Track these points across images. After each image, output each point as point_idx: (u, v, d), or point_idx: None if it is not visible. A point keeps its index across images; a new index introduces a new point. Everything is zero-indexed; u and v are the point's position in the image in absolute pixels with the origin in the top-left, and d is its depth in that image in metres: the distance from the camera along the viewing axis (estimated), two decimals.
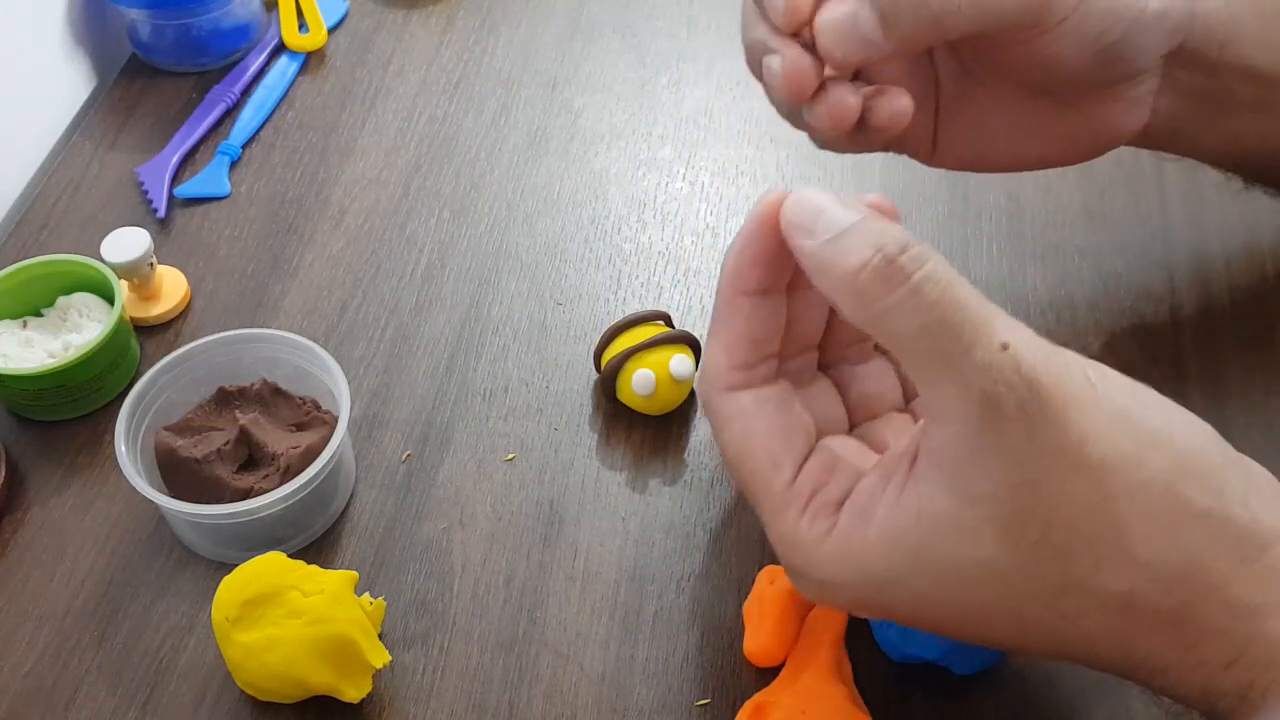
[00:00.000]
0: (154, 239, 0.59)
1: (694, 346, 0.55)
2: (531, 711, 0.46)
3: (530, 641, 0.48)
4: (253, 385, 0.53)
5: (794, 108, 0.44)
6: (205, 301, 0.61)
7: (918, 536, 0.35)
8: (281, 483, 0.49)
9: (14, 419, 0.56)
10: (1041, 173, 0.64)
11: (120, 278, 0.57)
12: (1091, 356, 0.36)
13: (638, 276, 0.61)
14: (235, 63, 0.73)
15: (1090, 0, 0.43)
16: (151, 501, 0.48)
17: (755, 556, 0.50)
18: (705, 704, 0.46)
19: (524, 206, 0.65)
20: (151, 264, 0.58)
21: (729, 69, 0.72)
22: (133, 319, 0.59)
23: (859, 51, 0.41)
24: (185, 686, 0.47)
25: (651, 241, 0.63)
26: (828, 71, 0.42)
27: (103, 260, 0.57)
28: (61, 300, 0.58)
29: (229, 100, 0.70)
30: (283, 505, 0.48)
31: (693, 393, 0.56)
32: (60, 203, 0.65)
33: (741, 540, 0.51)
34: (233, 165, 0.67)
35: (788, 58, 0.42)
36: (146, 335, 0.59)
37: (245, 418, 0.51)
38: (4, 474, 0.52)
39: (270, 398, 0.53)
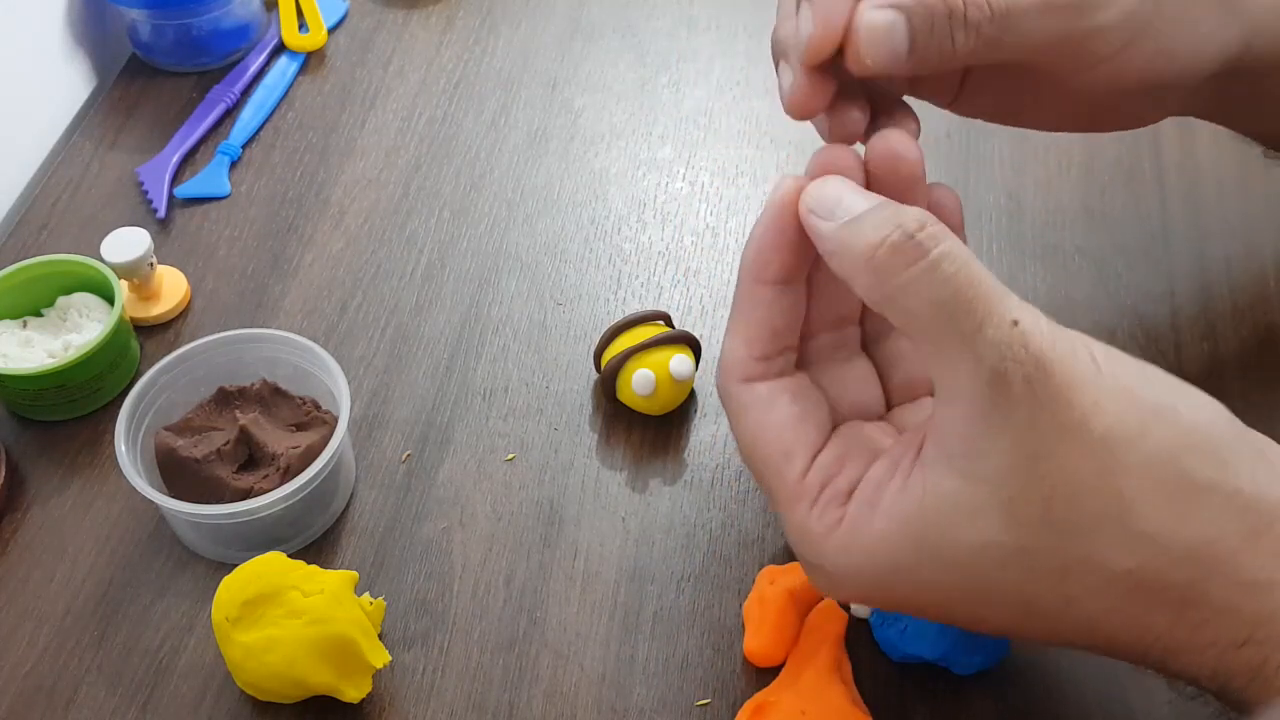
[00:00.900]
0: (154, 239, 0.59)
1: (694, 346, 0.55)
2: (531, 711, 0.46)
3: (530, 641, 0.48)
4: (253, 385, 0.53)
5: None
6: (205, 301, 0.61)
7: (923, 522, 0.35)
8: (281, 483, 0.49)
9: (14, 419, 0.56)
10: (1042, 172, 0.65)
11: (120, 278, 0.57)
12: None
13: (638, 276, 0.61)
14: (235, 63, 0.73)
15: (1137, 46, 0.42)
16: (151, 501, 0.48)
17: (755, 556, 0.50)
18: (705, 704, 0.46)
19: (524, 206, 0.65)
20: (151, 264, 0.58)
21: (729, 69, 0.72)
22: (133, 319, 0.59)
23: (887, 62, 0.39)
24: (185, 686, 0.47)
25: (651, 241, 0.63)
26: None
27: (103, 260, 0.57)
28: (61, 300, 0.58)
29: (229, 100, 0.70)
30: (283, 505, 0.48)
31: (693, 393, 0.56)
32: (60, 203, 0.65)
33: (741, 540, 0.51)
34: (233, 165, 0.67)
35: (799, 84, 0.40)
36: (146, 335, 0.59)
37: (245, 418, 0.51)
38: (4, 474, 0.52)
39: (270, 398, 0.53)
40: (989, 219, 0.63)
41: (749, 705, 0.45)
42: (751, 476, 0.50)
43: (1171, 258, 0.61)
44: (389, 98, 0.71)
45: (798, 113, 0.41)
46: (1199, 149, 0.65)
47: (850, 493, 0.37)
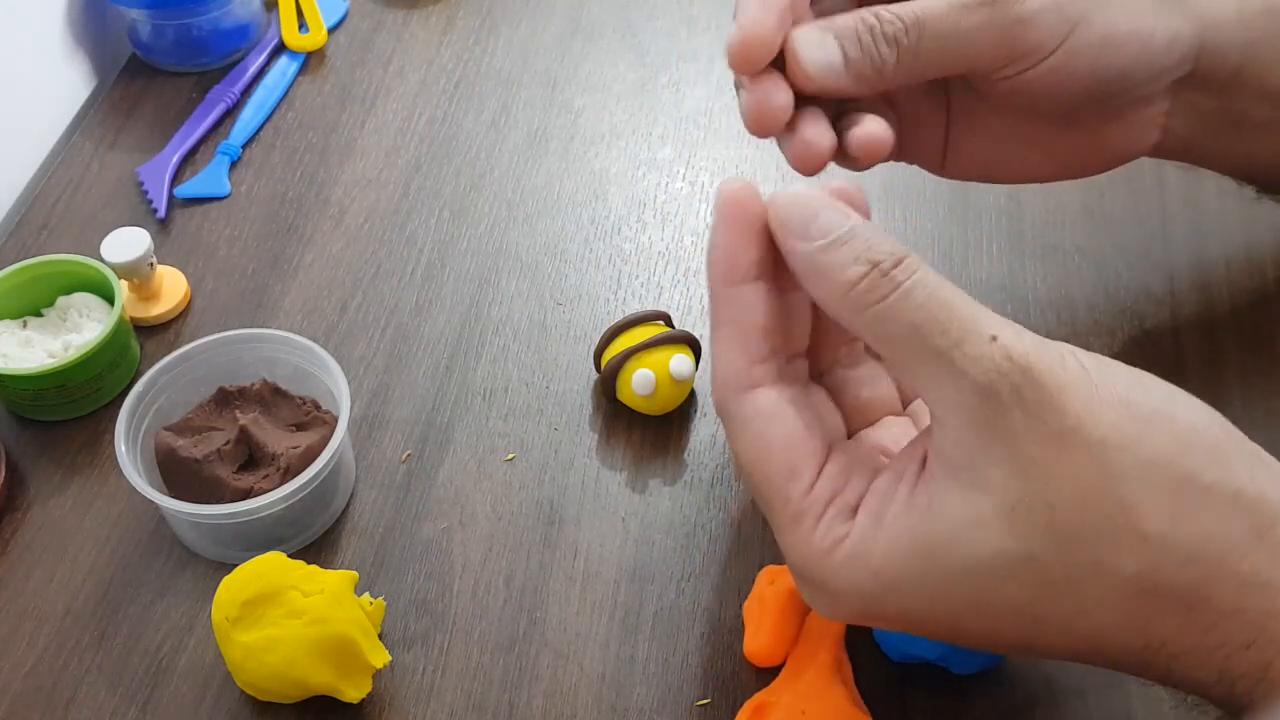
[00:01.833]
0: (154, 239, 0.59)
1: (694, 346, 0.55)
2: (531, 711, 0.46)
3: (530, 641, 0.48)
4: (253, 385, 0.53)
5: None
6: (205, 301, 0.61)
7: (930, 534, 0.35)
8: (281, 483, 0.49)
9: (14, 419, 0.56)
10: None
11: (120, 278, 0.57)
12: None
13: (638, 276, 0.61)
14: (235, 63, 0.73)
15: (1079, 36, 0.43)
16: (151, 501, 0.48)
17: (755, 556, 0.50)
18: (705, 704, 0.46)
19: (524, 206, 0.65)
20: (151, 264, 0.58)
21: (729, 69, 0.72)
22: (133, 319, 0.59)
23: (825, 75, 0.42)
24: (185, 686, 0.47)
25: (651, 241, 0.63)
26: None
27: (103, 260, 0.57)
28: (61, 300, 0.58)
29: (229, 100, 0.70)
30: (283, 505, 0.48)
31: (693, 393, 0.56)
32: (60, 203, 0.65)
33: (741, 540, 0.51)
34: (233, 165, 0.67)
35: (752, 96, 0.42)
36: (146, 335, 0.59)
37: (245, 418, 0.51)
38: (4, 474, 0.52)
39: (270, 398, 0.53)
40: (989, 219, 0.62)
41: (749, 705, 0.45)
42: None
43: (1171, 258, 0.61)
44: (389, 98, 0.71)
45: (759, 127, 0.43)
46: None
47: (857, 506, 0.37)
